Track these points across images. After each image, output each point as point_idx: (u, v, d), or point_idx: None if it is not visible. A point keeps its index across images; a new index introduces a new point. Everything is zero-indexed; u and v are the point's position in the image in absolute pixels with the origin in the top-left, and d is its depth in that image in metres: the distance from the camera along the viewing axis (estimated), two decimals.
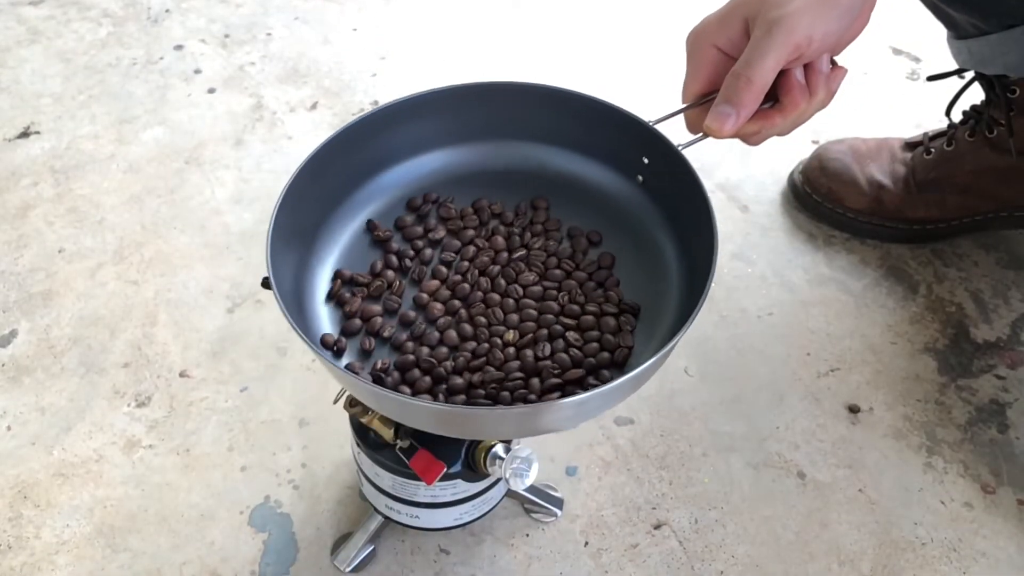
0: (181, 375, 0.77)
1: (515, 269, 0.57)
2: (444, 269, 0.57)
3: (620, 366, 0.52)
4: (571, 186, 0.62)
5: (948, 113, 0.89)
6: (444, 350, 0.53)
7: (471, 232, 0.59)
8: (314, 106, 1.06)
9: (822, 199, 0.93)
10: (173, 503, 0.68)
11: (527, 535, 0.68)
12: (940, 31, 0.84)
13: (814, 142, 1.03)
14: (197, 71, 1.10)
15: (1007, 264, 0.91)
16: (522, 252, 0.58)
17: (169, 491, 0.69)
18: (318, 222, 0.57)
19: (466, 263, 0.58)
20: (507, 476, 0.55)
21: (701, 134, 0.53)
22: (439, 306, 0.55)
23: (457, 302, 0.56)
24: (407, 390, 0.51)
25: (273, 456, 0.71)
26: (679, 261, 0.57)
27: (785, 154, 1.01)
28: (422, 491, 0.58)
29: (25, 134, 1.00)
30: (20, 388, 0.75)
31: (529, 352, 0.53)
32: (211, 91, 1.07)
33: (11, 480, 0.69)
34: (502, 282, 0.56)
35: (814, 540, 0.69)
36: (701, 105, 0.54)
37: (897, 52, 1.19)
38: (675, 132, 0.56)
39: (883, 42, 1.20)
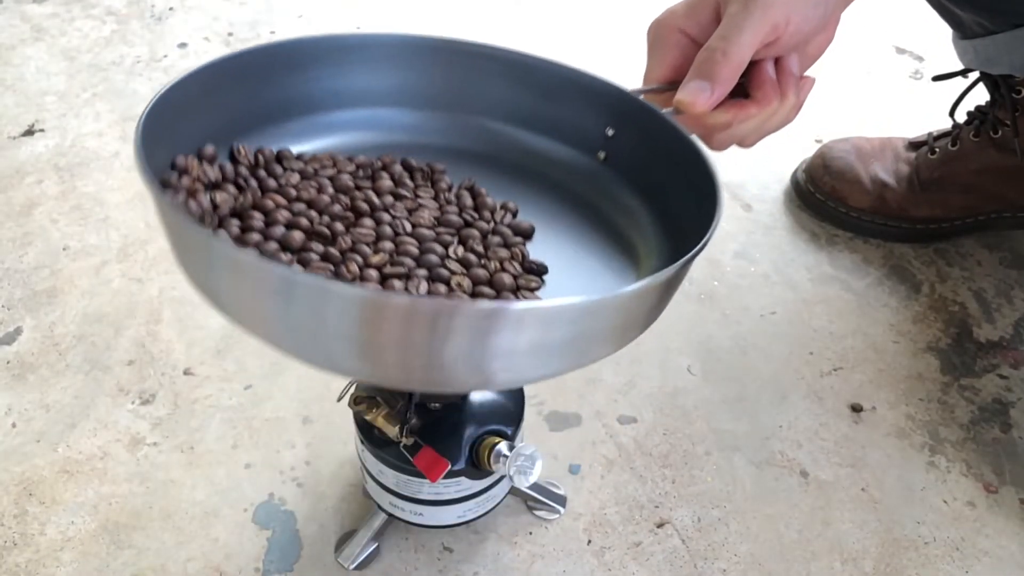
0: (185, 373, 0.77)
1: (406, 206, 0.48)
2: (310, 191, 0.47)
3: None
4: (523, 166, 0.54)
5: (952, 114, 0.90)
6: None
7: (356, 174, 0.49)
8: None
9: (825, 198, 0.93)
10: (177, 500, 0.69)
11: (530, 533, 0.68)
12: (943, 30, 0.84)
13: (817, 141, 1.03)
14: None
15: (1010, 264, 0.91)
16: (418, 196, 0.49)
17: (173, 488, 0.69)
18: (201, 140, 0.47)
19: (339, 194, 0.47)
20: (511, 473, 0.55)
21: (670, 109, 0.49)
22: (284, 213, 0.44)
23: (315, 216, 0.45)
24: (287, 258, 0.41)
25: (277, 453, 0.72)
26: (656, 229, 0.50)
27: (788, 153, 1.01)
28: (426, 488, 0.59)
29: (30, 132, 1.00)
30: (25, 385, 0.76)
31: (398, 284, 0.42)
32: None
33: (16, 477, 0.69)
34: (385, 216, 0.46)
35: (816, 539, 0.69)
36: (665, 92, 0.51)
37: (901, 51, 1.19)
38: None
39: (887, 41, 1.20)
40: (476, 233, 0.47)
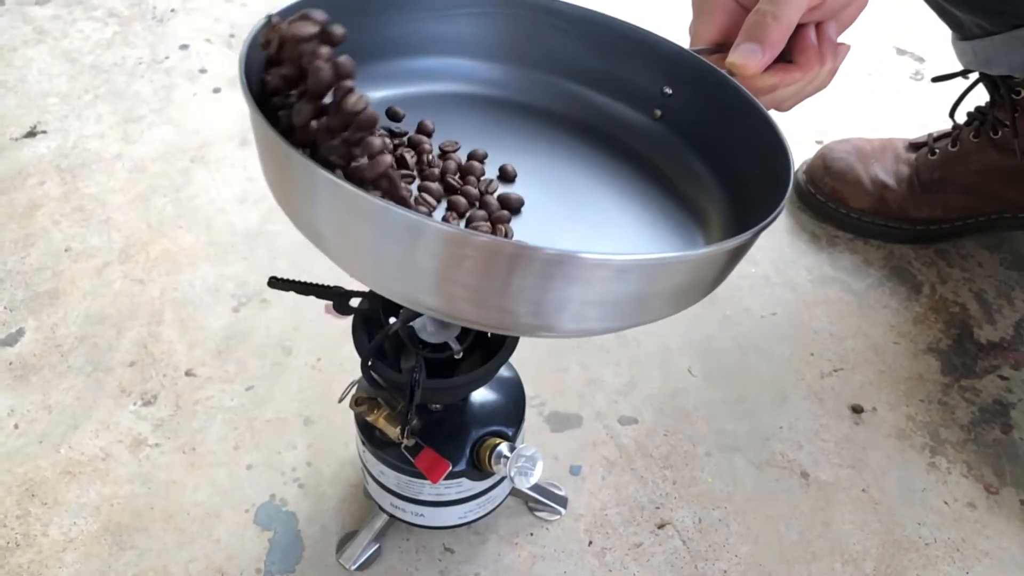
0: (187, 374, 0.77)
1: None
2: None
3: None
4: (581, 123, 0.55)
5: (952, 114, 0.90)
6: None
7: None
8: None
9: (826, 199, 0.93)
10: (179, 501, 0.69)
11: (531, 534, 0.68)
12: (944, 31, 0.84)
13: (818, 142, 1.03)
14: (202, 70, 1.10)
15: (1011, 265, 0.91)
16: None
17: (175, 489, 0.69)
18: None
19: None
20: (512, 474, 0.55)
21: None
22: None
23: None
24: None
25: (278, 455, 0.72)
26: (719, 190, 0.51)
27: None
28: (427, 489, 0.59)
29: (32, 133, 1.00)
30: (27, 386, 0.76)
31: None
32: (216, 91, 1.07)
33: (19, 478, 0.70)
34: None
35: (817, 540, 0.69)
36: (713, 53, 0.53)
37: (901, 52, 1.19)
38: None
39: (887, 42, 1.20)
40: (463, 202, 0.48)
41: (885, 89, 1.13)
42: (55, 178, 0.95)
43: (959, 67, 0.85)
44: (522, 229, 0.48)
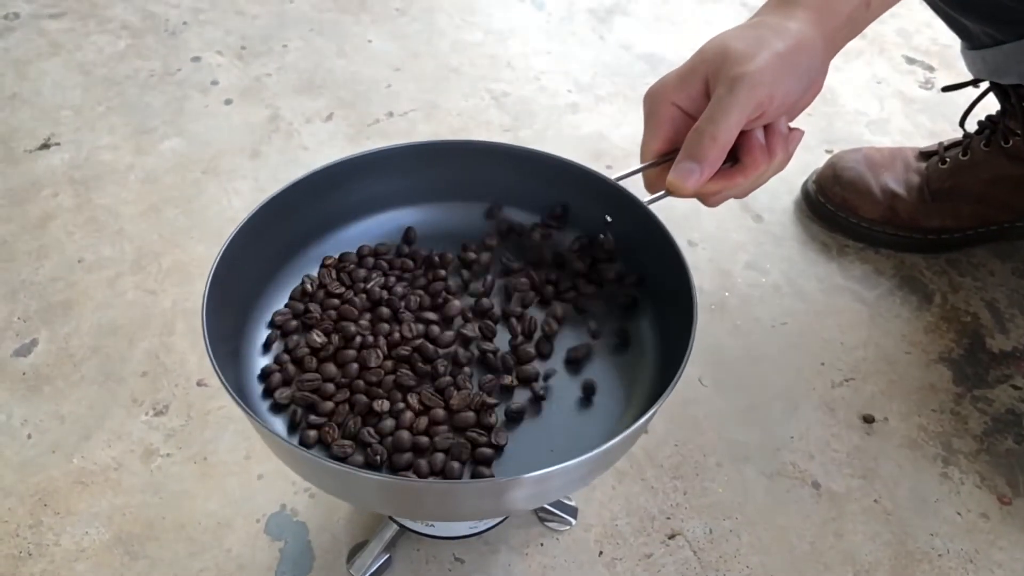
0: (198, 384, 0.78)
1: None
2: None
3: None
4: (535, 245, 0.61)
5: (963, 123, 0.89)
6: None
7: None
8: (330, 117, 1.07)
9: (836, 208, 0.93)
10: (190, 511, 0.69)
11: (541, 544, 0.68)
12: (954, 40, 0.84)
13: (828, 151, 1.03)
14: (214, 82, 1.11)
15: (1023, 274, 0.90)
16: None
17: (187, 499, 0.70)
18: (258, 288, 0.57)
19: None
20: None
21: (662, 192, 0.53)
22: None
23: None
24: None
25: None
26: (653, 325, 0.57)
27: (799, 164, 1.01)
28: None
29: (46, 145, 1.01)
30: (40, 396, 0.76)
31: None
32: (228, 102, 1.08)
33: (32, 487, 0.70)
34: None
35: (829, 550, 0.68)
36: (661, 165, 0.54)
37: (911, 61, 1.19)
38: (639, 190, 0.56)
39: (897, 51, 1.20)
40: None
41: (895, 98, 1.13)
42: (68, 190, 0.96)
43: (970, 76, 0.85)
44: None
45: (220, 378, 0.44)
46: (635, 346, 0.56)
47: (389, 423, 0.52)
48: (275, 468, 0.72)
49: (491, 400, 0.53)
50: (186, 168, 0.99)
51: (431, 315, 0.57)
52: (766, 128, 0.52)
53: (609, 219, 0.58)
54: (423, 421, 0.52)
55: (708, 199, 0.53)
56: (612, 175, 0.57)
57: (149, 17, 1.21)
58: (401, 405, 0.52)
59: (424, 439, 0.51)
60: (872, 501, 0.72)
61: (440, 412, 0.52)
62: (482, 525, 0.62)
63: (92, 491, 0.70)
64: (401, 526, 0.63)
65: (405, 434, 0.51)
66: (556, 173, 0.59)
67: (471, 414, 0.52)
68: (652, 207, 0.55)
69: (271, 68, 1.14)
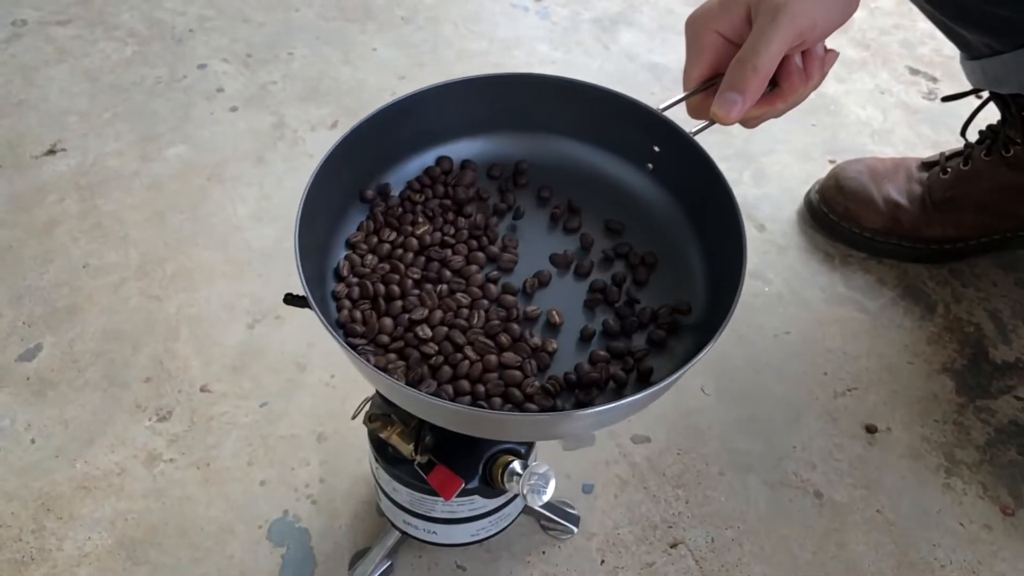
0: (202, 390, 0.78)
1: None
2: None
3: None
4: (586, 175, 0.62)
5: (964, 133, 0.90)
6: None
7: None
8: (334, 125, 1.07)
9: (839, 218, 0.93)
10: (193, 516, 0.69)
11: (543, 552, 0.68)
12: (956, 51, 0.84)
13: (831, 161, 1.03)
14: (220, 90, 1.12)
15: None
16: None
17: (189, 504, 0.70)
18: (337, 217, 0.57)
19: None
20: (524, 492, 0.55)
21: (707, 121, 0.54)
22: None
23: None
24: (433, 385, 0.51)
25: (292, 471, 0.72)
26: (702, 257, 0.57)
27: (801, 174, 1.01)
28: (439, 507, 0.59)
29: (52, 151, 1.02)
30: (44, 401, 0.77)
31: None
32: (233, 109, 1.09)
33: (35, 492, 0.70)
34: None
35: (831, 560, 0.68)
36: (704, 91, 0.55)
37: (914, 72, 1.19)
38: (685, 120, 0.56)
39: (901, 62, 1.21)
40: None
41: (898, 108, 1.13)
42: (74, 195, 0.96)
43: (970, 86, 0.85)
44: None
45: (322, 321, 0.48)
46: (683, 280, 0.56)
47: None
48: (277, 474, 0.72)
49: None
50: (191, 175, 1.00)
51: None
52: (803, 52, 0.53)
53: (657, 149, 0.59)
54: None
55: (748, 123, 0.54)
56: (658, 105, 0.57)
57: (156, 24, 1.22)
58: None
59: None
60: (874, 511, 0.72)
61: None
62: (484, 533, 0.62)
63: (95, 496, 0.70)
64: (403, 533, 0.63)
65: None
66: (603, 105, 0.59)
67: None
68: (697, 137, 0.55)
69: (276, 76, 1.14)
